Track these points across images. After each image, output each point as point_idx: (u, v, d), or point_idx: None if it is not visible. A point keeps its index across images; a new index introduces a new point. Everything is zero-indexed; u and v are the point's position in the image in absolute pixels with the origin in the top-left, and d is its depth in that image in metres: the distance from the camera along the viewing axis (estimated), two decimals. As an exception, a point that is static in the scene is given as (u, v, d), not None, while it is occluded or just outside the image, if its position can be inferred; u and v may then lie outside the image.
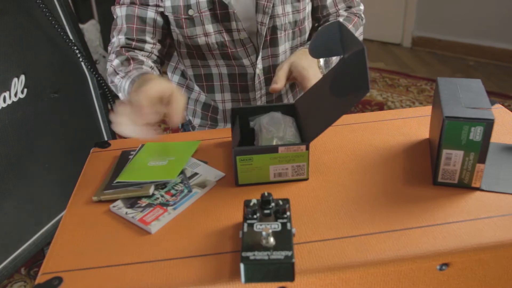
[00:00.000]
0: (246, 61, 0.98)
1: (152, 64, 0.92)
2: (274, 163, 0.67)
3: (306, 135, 0.70)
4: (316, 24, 1.09)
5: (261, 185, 0.69)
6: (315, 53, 0.77)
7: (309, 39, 1.09)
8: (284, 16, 0.97)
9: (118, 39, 0.94)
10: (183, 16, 0.92)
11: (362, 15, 1.09)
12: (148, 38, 0.95)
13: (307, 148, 0.67)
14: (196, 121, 1.11)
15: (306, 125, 0.72)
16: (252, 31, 0.97)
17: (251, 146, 0.68)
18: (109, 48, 0.97)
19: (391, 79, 3.00)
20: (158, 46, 0.97)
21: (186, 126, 1.18)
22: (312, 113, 0.73)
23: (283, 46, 1.01)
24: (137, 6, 0.93)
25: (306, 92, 0.80)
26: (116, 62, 0.91)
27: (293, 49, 1.04)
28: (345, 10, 1.07)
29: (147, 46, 0.95)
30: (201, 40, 0.95)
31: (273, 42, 0.99)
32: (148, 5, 0.93)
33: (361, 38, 1.07)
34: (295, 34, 1.02)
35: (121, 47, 0.93)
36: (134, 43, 0.94)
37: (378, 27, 3.57)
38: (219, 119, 1.08)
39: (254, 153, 0.67)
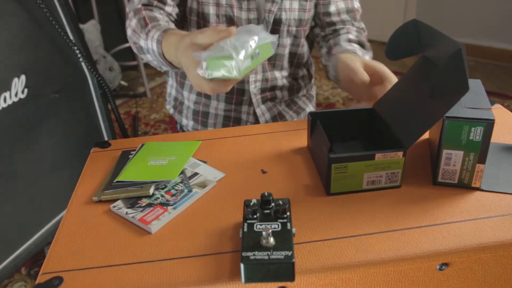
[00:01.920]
0: None
1: (168, 20, 0.92)
2: (369, 171, 0.65)
3: (402, 141, 0.66)
4: (322, 33, 1.09)
5: (353, 193, 0.67)
6: (392, 55, 0.75)
7: (309, 46, 1.10)
8: (290, 11, 0.99)
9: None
10: None
11: (366, 33, 1.10)
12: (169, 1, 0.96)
13: (404, 155, 0.65)
14: (190, 123, 1.12)
15: (398, 130, 0.69)
16: (259, 17, 0.99)
17: (346, 153, 0.65)
18: (127, 10, 0.97)
19: (391, 79, 3.00)
20: (176, 10, 0.98)
21: (185, 127, 1.19)
22: (403, 117, 0.70)
23: (285, 40, 1.02)
24: None
25: (384, 96, 0.78)
26: (133, 22, 0.91)
27: (293, 46, 1.05)
28: (353, 26, 1.07)
29: (167, 8, 0.96)
30: (212, 9, 0.96)
31: (275, 32, 1.00)
32: None
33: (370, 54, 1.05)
34: (298, 33, 1.04)
35: (142, 4, 0.93)
36: (155, 2, 0.94)
37: (378, 27, 3.57)
38: (210, 123, 1.09)
39: (350, 161, 0.64)
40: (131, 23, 0.92)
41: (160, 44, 0.83)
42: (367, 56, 1.00)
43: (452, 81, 0.61)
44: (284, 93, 1.10)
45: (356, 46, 0.99)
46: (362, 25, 1.10)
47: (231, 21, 0.98)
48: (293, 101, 1.14)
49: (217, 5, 0.96)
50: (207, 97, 1.07)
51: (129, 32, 0.93)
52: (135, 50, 0.95)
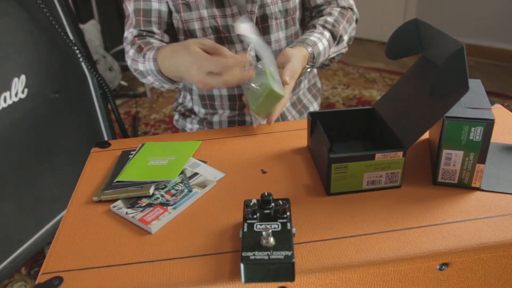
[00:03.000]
0: (238, 46, 1.00)
1: (162, 43, 0.98)
2: (369, 171, 0.66)
3: (402, 141, 0.66)
4: (309, 18, 1.09)
5: (353, 193, 0.67)
6: (392, 54, 0.75)
7: (301, 29, 1.10)
8: (273, 4, 0.98)
9: (130, 33, 0.99)
10: (180, 1, 0.96)
11: (355, 9, 1.09)
12: (155, 29, 0.99)
13: (404, 155, 0.65)
14: (195, 127, 1.13)
15: (398, 130, 0.69)
16: None
17: (346, 153, 0.65)
18: (124, 44, 1.02)
19: (391, 79, 3.00)
20: (166, 36, 1.01)
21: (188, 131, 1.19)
22: (403, 117, 0.70)
23: (276, 35, 1.02)
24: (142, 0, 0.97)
25: (384, 96, 0.78)
26: (131, 52, 0.96)
27: (288, 38, 1.05)
28: (337, 5, 1.06)
29: (156, 36, 1.00)
30: (197, 24, 0.98)
31: (265, 30, 1.00)
32: None
33: (353, 33, 1.07)
34: (288, 24, 1.03)
35: (134, 36, 0.98)
36: (144, 33, 0.99)
37: (378, 27, 3.57)
38: (214, 123, 1.09)
39: (350, 161, 0.64)
40: (129, 54, 0.97)
41: (156, 61, 0.88)
42: (334, 48, 1.01)
43: (452, 81, 0.61)
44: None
45: (326, 35, 0.99)
46: (350, 1, 1.08)
47: (217, 31, 0.98)
48: (299, 99, 1.13)
49: (201, 19, 0.97)
50: (213, 108, 1.08)
51: (129, 62, 0.98)
52: (138, 77, 0.99)
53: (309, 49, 0.94)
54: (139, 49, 0.94)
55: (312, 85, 1.18)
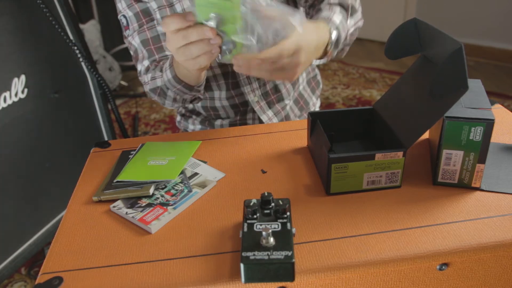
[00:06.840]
0: None
1: None
2: (369, 171, 0.66)
3: (402, 141, 0.66)
4: (310, 1, 0.99)
5: (353, 193, 0.67)
6: (392, 54, 0.75)
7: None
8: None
9: (143, 65, 0.97)
10: None
11: (356, 6, 0.97)
12: (168, 52, 0.97)
13: (404, 155, 0.65)
14: (197, 127, 1.13)
15: (398, 129, 0.69)
16: None
17: (346, 153, 0.65)
18: (140, 78, 0.99)
19: (391, 79, 3.00)
20: None
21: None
22: (403, 116, 0.70)
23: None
24: (146, 27, 0.95)
25: (384, 95, 0.78)
26: (149, 75, 0.93)
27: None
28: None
29: (168, 53, 0.97)
30: None
31: None
32: (153, 20, 0.95)
33: (353, 29, 0.95)
34: None
35: (149, 65, 0.96)
36: (158, 60, 0.96)
37: (378, 27, 3.57)
38: (216, 125, 1.10)
39: (350, 161, 0.64)
40: (148, 78, 0.93)
41: (172, 67, 0.83)
42: (351, 21, 0.92)
43: (452, 81, 0.61)
44: (288, 87, 1.08)
45: (336, 9, 0.88)
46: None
47: None
48: (300, 95, 1.12)
49: None
50: (218, 116, 1.08)
51: (149, 86, 0.94)
52: (160, 101, 0.95)
53: (327, 25, 0.82)
54: (157, 67, 0.91)
55: (312, 77, 1.17)
